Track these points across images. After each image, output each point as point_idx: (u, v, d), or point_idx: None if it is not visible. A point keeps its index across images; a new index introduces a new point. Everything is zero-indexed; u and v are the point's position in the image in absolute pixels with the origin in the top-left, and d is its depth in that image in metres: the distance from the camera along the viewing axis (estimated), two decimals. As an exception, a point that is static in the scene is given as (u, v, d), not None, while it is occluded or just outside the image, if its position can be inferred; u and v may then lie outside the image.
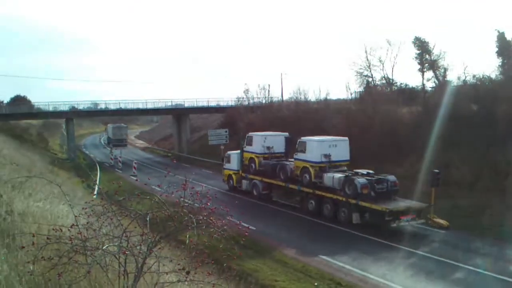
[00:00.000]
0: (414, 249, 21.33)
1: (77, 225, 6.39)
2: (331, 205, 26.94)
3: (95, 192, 32.92)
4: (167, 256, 6.93)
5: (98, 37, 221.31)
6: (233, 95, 75.09)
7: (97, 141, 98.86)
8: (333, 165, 28.45)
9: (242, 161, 35.40)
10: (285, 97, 66.24)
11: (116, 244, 6.23)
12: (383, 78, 56.65)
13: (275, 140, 34.89)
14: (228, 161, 37.64)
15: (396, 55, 54.49)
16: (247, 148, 35.34)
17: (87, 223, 6.43)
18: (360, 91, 56.97)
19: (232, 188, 36.56)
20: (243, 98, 68.10)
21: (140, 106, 65.42)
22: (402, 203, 24.90)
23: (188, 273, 6.33)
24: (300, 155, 29.74)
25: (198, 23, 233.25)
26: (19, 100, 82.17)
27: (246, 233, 7.87)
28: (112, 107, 65.41)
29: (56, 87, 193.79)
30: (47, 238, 6.18)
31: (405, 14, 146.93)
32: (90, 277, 6.09)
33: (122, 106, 65.01)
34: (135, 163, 49.41)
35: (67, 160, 58.09)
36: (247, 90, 68.13)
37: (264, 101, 66.03)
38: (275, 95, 68.05)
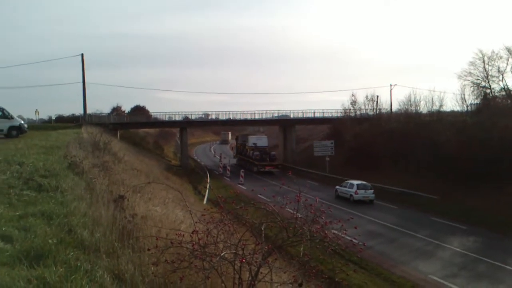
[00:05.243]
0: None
1: (197, 231, 6.67)
2: (252, 165, 59.39)
3: (206, 198, 34.49)
4: (281, 266, 6.99)
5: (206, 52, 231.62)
6: (339, 106, 74.13)
7: (207, 150, 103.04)
8: (258, 148, 60.61)
9: (237, 148, 70.82)
10: (394, 109, 63.94)
11: (233, 251, 6.42)
12: (503, 90, 52.60)
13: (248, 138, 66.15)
14: (234, 148, 74.44)
15: (518, 64, 50.46)
16: (238, 141, 71.42)
17: (207, 229, 6.68)
18: (476, 103, 53.42)
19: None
20: (349, 109, 67.06)
21: (248, 117, 67.12)
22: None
23: (300, 285, 6.32)
24: (247, 143, 64.45)
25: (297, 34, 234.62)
26: (138, 110, 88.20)
27: (361, 249, 7.65)
28: (222, 117, 67.91)
29: (169, 97, 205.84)
30: (171, 242, 6.52)
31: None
32: (206, 282, 6.31)
33: (231, 116, 67.20)
34: (242, 171, 50.74)
35: (180, 167, 61.17)
36: (354, 101, 66.87)
37: (371, 113, 64.23)
38: (383, 106, 65.88)
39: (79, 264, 6.15)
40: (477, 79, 53.44)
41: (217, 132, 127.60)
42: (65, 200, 10.08)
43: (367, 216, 31.21)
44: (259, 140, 63.51)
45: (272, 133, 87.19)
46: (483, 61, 52.35)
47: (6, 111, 33.12)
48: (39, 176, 12.46)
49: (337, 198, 38.56)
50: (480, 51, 52.71)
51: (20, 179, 11.85)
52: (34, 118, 65.27)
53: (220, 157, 68.19)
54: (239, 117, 67.02)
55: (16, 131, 32.48)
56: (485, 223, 28.74)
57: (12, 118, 33.27)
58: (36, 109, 63.93)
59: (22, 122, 35.56)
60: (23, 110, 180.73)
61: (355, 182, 38.52)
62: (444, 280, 19.52)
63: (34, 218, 8.24)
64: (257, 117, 67.75)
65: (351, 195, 37.69)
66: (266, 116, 68.82)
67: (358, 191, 37.45)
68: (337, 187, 40.21)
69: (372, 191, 37.82)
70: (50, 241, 6.86)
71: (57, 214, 8.62)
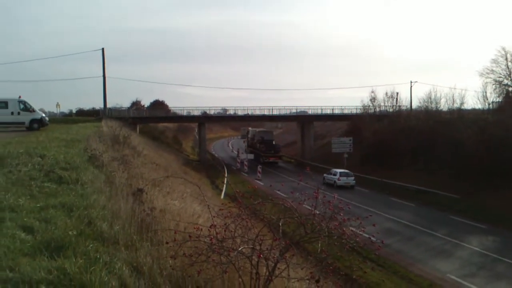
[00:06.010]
0: None
1: (214, 226, 6.70)
2: (259, 156, 62.85)
3: (223, 193, 34.61)
4: (298, 263, 6.97)
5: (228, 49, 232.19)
6: (359, 103, 73.68)
7: (225, 145, 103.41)
8: (264, 141, 65.66)
9: (248, 141, 74.36)
10: (414, 106, 63.13)
11: (250, 246, 6.42)
12: (526, 88, 51.59)
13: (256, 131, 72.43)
14: (246, 141, 77.18)
15: (543, 62, 49.41)
16: (248, 135, 75.44)
17: (225, 224, 6.70)
18: (498, 101, 52.46)
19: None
20: (369, 106, 66.40)
21: (266, 113, 67.06)
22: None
23: (318, 281, 6.29)
24: (256, 137, 69.40)
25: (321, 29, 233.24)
26: (157, 105, 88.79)
27: (379, 247, 7.58)
28: (240, 113, 67.94)
29: (187, 92, 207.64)
30: (189, 236, 6.55)
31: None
32: (224, 277, 6.33)
33: (249, 112, 67.18)
34: (260, 167, 50.76)
35: (198, 162, 61.45)
36: (374, 98, 66.15)
37: (391, 110, 63.51)
38: (403, 103, 65.09)
39: (98, 256, 6.23)
40: (499, 77, 52.52)
41: (235, 127, 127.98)
42: (85, 192, 10.21)
43: (385, 214, 30.98)
44: (266, 134, 70.08)
45: (291, 129, 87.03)
46: (506, 59, 51.42)
47: (28, 104, 33.64)
48: (60, 168, 12.61)
49: (324, 184, 41.62)
50: (503, 49, 51.78)
51: (41, 171, 12.02)
52: (55, 111, 66.19)
53: (238, 152, 68.33)
54: (257, 112, 67.01)
55: (37, 124, 32.98)
56: (506, 222, 28.27)
57: (33, 111, 33.78)
58: (57, 102, 64.77)
59: (44, 115, 36.10)
60: (45, 103, 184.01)
61: (339, 170, 44.90)
62: (463, 279, 19.30)
63: (55, 210, 8.36)
64: (275, 113, 67.82)
65: (334, 181, 43.29)
66: (284, 112, 68.77)
67: (340, 177, 43.47)
68: (325, 175, 45.32)
69: (353, 178, 43.75)
70: (70, 232, 6.96)
71: (77, 206, 8.74)
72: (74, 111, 72.39)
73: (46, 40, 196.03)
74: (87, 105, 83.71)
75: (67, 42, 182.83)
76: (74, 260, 5.87)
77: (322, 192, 7.29)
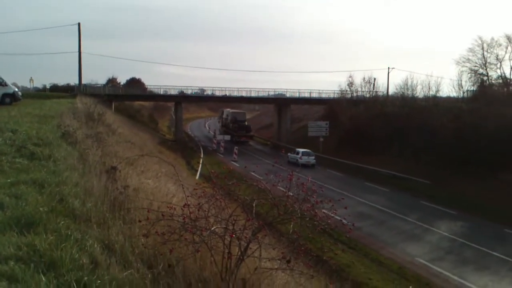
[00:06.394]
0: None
1: (188, 205, 6.70)
2: (232, 135, 64.19)
3: (198, 174, 34.57)
4: (270, 243, 7.05)
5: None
6: (335, 87, 74.00)
7: (202, 126, 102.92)
8: (237, 122, 69.04)
9: (222, 121, 78.64)
10: (391, 92, 63.75)
11: (223, 226, 6.46)
12: (500, 78, 52.62)
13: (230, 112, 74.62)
14: (220, 121, 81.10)
15: (517, 53, 50.36)
16: (222, 115, 79.14)
17: (198, 204, 6.71)
18: (473, 90, 53.48)
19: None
20: (346, 90, 66.65)
21: (244, 94, 66.75)
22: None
23: (289, 261, 6.39)
24: (229, 117, 72.53)
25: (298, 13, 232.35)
26: (133, 82, 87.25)
27: (350, 229, 7.72)
28: (218, 93, 67.46)
29: (165, 71, 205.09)
30: (162, 215, 6.54)
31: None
32: (196, 255, 6.37)
33: (227, 93, 66.78)
34: (236, 148, 50.79)
35: (174, 142, 61.07)
36: (351, 83, 66.38)
37: (368, 95, 63.98)
38: (381, 89, 65.62)
39: (69, 233, 6.16)
40: (475, 66, 53.43)
41: (212, 108, 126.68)
42: (57, 169, 10.04)
43: (358, 198, 31.42)
44: (239, 115, 72.85)
45: (268, 112, 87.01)
46: (482, 48, 52.27)
47: (0, 78, 32.77)
48: (32, 144, 12.38)
49: (288, 163, 42.82)
50: (480, 38, 52.59)
51: (12, 147, 11.79)
52: (28, 86, 64.71)
53: (214, 133, 68.16)
54: (235, 94, 66.66)
55: (9, 99, 32.17)
56: (476, 209, 28.98)
57: (6, 85, 32.92)
58: (31, 77, 63.50)
59: (16, 89, 35.21)
60: (18, 78, 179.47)
61: (301, 150, 48.23)
62: (431, 263, 19.82)
63: (26, 186, 8.21)
64: (253, 94, 67.45)
65: (297, 160, 46.04)
66: (262, 94, 68.55)
67: (302, 157, 46.73)
68: (289, 153, 47.99)
69: (313, 157, 47.39)
70: (41, 209, 6.85)
71: (49, 182, 8.60)
72: (48, 87, 70.83)
73: (21, 13, 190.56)
74: (61, 81, 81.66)
75: (43, 15, 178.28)
76: (44, 236, 5.80)
77: (296, 174, 7.35)
